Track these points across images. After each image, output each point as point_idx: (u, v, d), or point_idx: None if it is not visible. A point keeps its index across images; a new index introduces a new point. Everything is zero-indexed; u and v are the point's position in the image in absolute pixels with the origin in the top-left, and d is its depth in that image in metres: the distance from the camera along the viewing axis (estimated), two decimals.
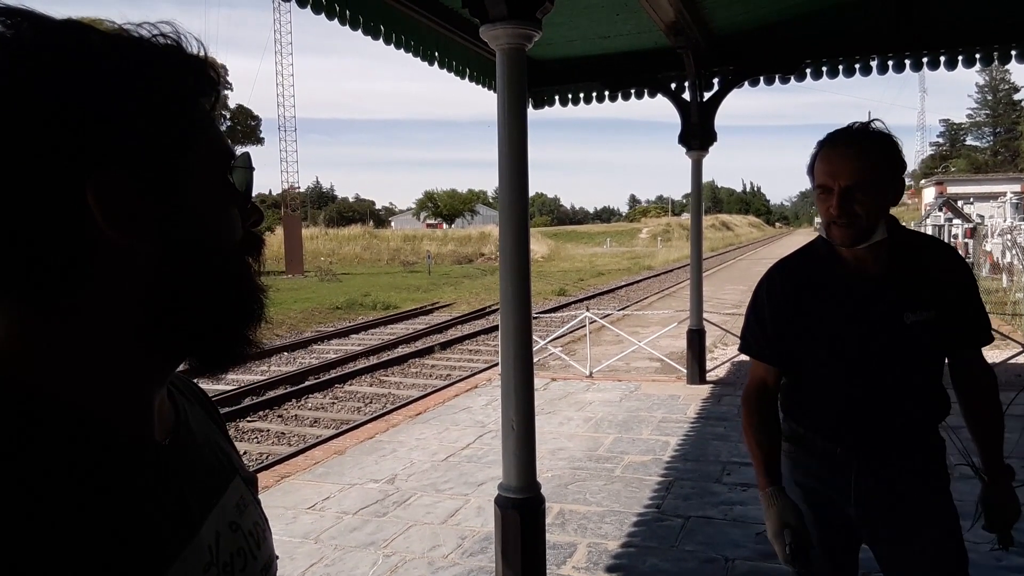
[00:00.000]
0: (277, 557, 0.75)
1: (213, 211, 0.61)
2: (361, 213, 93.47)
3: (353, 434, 6.20)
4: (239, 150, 0.65)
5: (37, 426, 0.53)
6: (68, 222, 0.53)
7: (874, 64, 6.38)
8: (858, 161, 1.67)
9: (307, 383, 9.67)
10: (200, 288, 0.60)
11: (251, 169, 0.66)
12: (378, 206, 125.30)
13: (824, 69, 6.55)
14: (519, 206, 2.90)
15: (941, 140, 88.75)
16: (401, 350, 12.35)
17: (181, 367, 0.66)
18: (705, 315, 7.66)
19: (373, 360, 11.42)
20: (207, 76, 0.61)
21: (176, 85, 0.58)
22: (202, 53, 0.60)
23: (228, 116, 39.73)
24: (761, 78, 6.81)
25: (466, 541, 3.93)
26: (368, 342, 13.60)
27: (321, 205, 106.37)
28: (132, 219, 0.55)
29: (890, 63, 6.30)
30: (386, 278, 28.67)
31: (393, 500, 4.54)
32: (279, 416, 8.42)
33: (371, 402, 9.05)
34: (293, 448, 6.97)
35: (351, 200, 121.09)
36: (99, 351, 0.57)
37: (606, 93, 7.27)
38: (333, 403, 9.03)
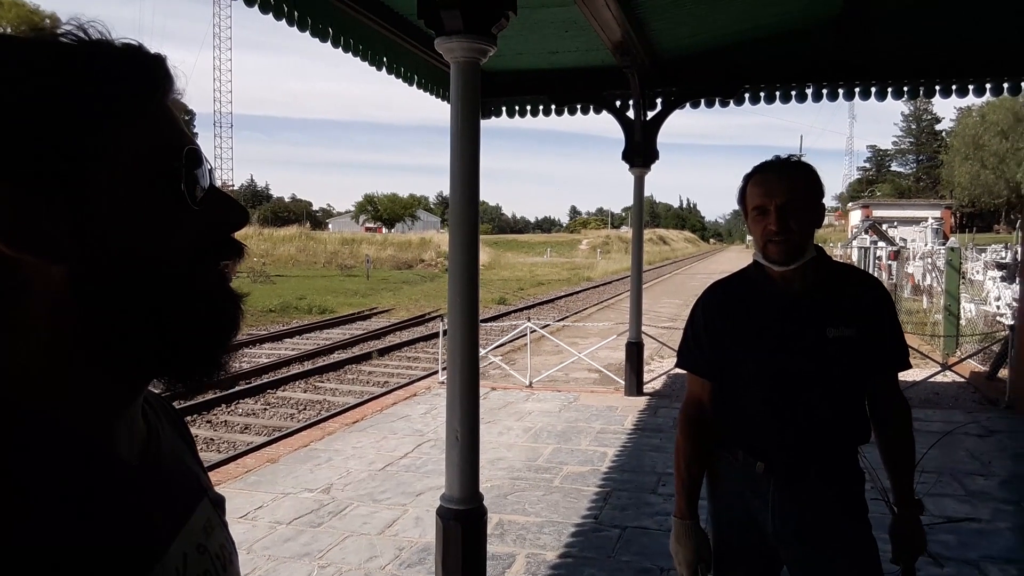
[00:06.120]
0: None
1: (147, 217, 0.56)
2: (297, 214, 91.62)
3: (287, 441, 6.06)
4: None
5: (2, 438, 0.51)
6: None
7: (810, 91, 6.68)
8: (790, 182, 1.81)
9: (237, 388, 9.39)
10: (146, 302, 0.56)
11: (200, 167, 0.59)
12: (315, 207, 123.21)
13: (762, 94, 6.81)
14: (470, 216, 2.92)
15: (868, 165, 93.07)
16: (337, 356, 12.15)
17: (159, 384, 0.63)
18: (643, 328, 7.80)
19: (308, 365, 11.18)
20: (142, 69, 0.57)
21: (81, 87, 0.53)
22: (135, 45, 0.57)
23: None
24: (702, 100, 7.03)
25: (404, 552, 3.89)
26: (303, 347, 13.33)
27: (255, 204, 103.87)
28: (37, 237, 0.51)
29: (825, 91, 6.61)
30: (322, 281, 28.16)
31: (329, 510, 4.46)
32: (207, 422, 8.17)
33: (305, 409, 8.87)
34: (223, 455, 6.77)
35: (287, 200, 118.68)
36: (50, 370, 0.55)
37: (553, 107, 7.38)
38: (265, 409, 8.81)
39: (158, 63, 0.58)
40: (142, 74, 0.57)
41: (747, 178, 1.88)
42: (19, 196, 0.50)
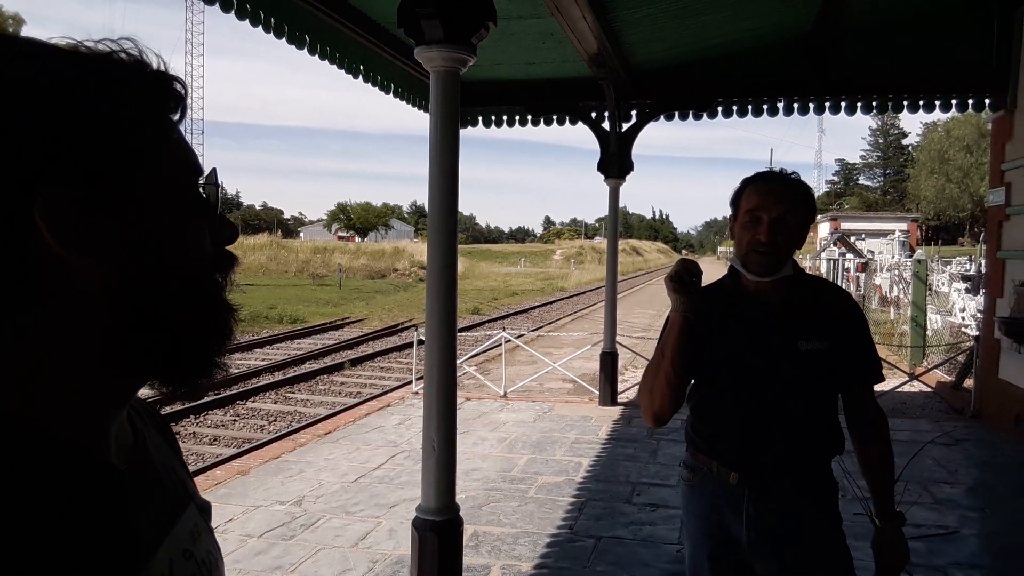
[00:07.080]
0: None
1: (176, 229, 0.59)
2: (268, 222, 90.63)
3: (257, 453, 5.97)
4: (207, 166, 0.64)
5: None
6: (16, 240, 0.51)
7: (780, 106, 6.80)
8: (790, 198, 1.84)
9: (206, 399, 9.23)
10: (165, 308, 0.58)
11: (217, 185, 0.65)
12: (287, 215, 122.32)
13: (734, 108, 6.91)
14: (448, 226, 2.91)
15: (836, 178, 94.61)
16: (308, 366, 12.01)
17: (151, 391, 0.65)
18: (617, 338, 7.83)
19: (278, 376, 11.05)
20: (170, 91, 0.60)
21: (130, 101, 0.56)
22: (163, 67, 0.60)
23: None
24: (676, 113, 7.11)
25: (377, 565, 3.84)
26: (273, 357, 13.17)
27: (226, 212, 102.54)
28: (85, 238, 0.53)
29: (795, 105, 6.74)
30: (294, 290, 27.87)
31: (300, 523, 4.40)
32: (175, 433, 8.00)
33: (276, 420, 8.75)
34: (192, 467, 6.64)
35: (258, 208, 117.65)
36: (57, 372, 0.56)
37: (529, 117, 7.42)
38: (235, 420, 8.68)
39: (184, 86, 0.62)
40: (178, 93, 0.61)
41: (747, 182, 1.89)
42: (68, 198, 0.52)
